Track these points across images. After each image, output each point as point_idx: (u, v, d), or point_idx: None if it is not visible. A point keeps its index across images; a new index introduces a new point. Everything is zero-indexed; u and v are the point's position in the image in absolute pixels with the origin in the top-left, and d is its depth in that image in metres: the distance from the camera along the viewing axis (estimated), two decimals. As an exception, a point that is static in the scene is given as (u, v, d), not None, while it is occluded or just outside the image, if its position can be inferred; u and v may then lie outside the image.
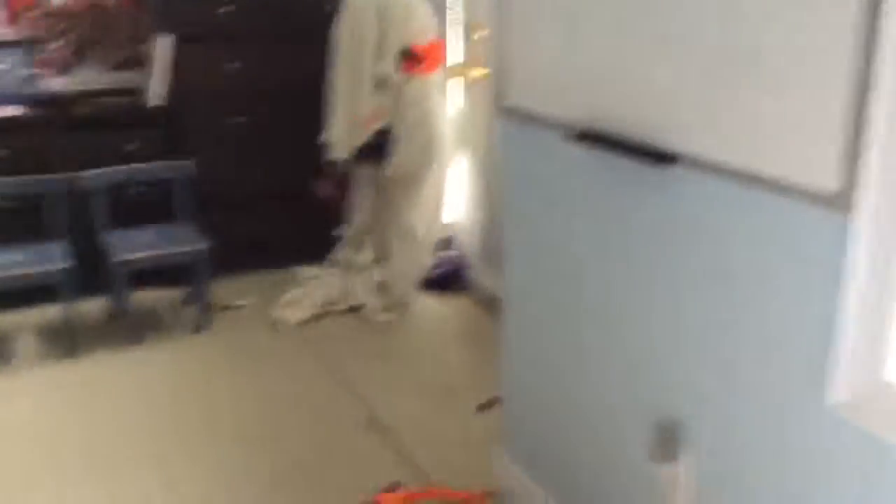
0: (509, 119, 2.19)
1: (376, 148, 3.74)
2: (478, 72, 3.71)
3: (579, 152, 1.90)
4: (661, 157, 1.62)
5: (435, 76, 3.70)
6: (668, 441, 1.74)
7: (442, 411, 3.03)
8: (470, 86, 3.82)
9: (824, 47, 1.26)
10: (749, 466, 1.57)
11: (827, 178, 1.28)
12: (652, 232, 1.72)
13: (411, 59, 3.61)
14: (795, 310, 1.41)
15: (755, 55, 1.38)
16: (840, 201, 1.26)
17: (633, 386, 1.86)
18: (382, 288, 3.89)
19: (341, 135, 3.74)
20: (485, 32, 3.62)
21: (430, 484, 2.57)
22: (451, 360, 3.46)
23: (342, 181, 3.95)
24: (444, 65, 3.77)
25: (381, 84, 3.67)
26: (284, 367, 3.38)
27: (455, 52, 3.94)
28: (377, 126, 3.70)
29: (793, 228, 1.38)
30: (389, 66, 3.62)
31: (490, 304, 3.83)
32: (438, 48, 3.70)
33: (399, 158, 3.72)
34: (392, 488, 2.51)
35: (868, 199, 1.23)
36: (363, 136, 3.72)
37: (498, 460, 2.52)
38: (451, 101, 3.85)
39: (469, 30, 3.76)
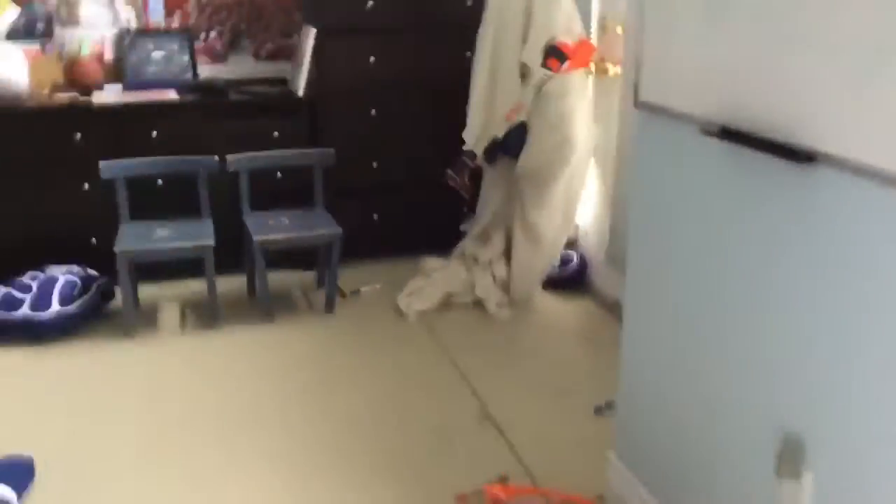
0: (646, 114, 2.16)
1: (511, 142, 3.74)
2: (611, 69, 3.66)
3: (715, 149, 1.85)
4: (799, 156, 1.56)
5: (579, 75, 3.68)
6: (793, 456, 1.68)
7: (557, 411, 3.02)
8: (603, 84, 3.77)
9: None
10: (874, 487, 1.49)
11: None
12: (788, 233, 1.66)
13: (557, 56, 3.59)
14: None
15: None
16: None
17: (759, 396, 1.80)
18: (505, 284, 3.91)
19: (478, 128, 3.77)
20: (619, 29, 3.58)
21: (537, 483, 2.57)
22: (569, 361, 3.44)
23: (474, 173, 3.99)
24: (591, 65, 3.73)
25: (523, 77, 3.68)
26: (404, 353, 3.46)
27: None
28: (516, 120, 3.71)
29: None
30: (534, 58, 3.62)
31: (612, 308, 3.78)
32: (586, 47, 3.66)
33: (531, 155, 3.71)
34: (500, 481, 2.53)
35: None
36: (500, 128, 3.74)
37: (610, 465, 2.49)
38: (591, 101, 3.80)
39: (603, 26, 3.71)
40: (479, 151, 3.80)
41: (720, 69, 1.82)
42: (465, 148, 3.84)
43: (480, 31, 3.73)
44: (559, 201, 3.82)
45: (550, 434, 2.88)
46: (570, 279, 4.00)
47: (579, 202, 3.93)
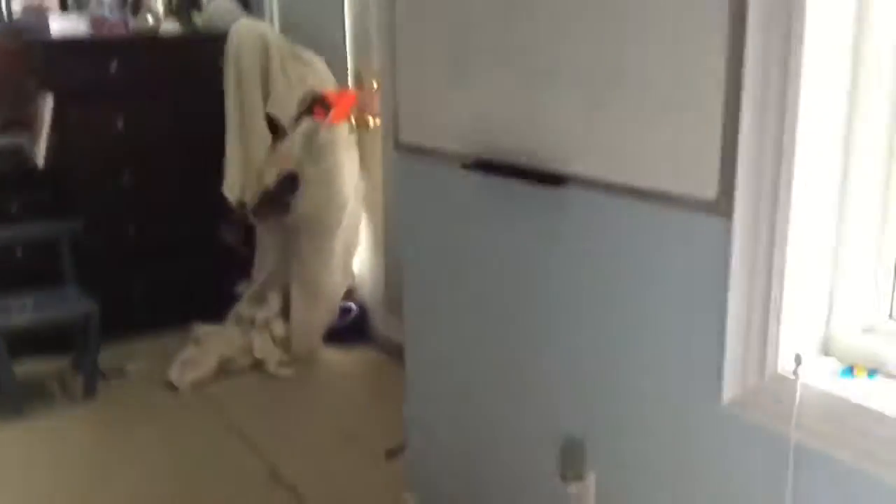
0: (405, 155, 2.22)
1: (279, 195, 3.70)
2: (371, 122, 3.75)
3: (474, 182, 1.94)
4: (549, 179, 1.68)
5: (343, 127, 3.72)
6: (574, 459, 1.76)
7: (348, 461, 2.97)
8: (365, 136, 3.85)
9: (696, 69, 1.35)
10: (653, 477, 1.60)
11: (706, 187, 1.35)
12: (547, 253, 1.78)
13: (323, 105, 3.62)
14: (686, 314, 1.47)
15: (629, 79, 1.47)
16: (720, 207, 1.34)
17: (538, 408, 1.89)
18: (285, 343, 3.81)
19: (236, 178, 3.70)
20: (375, 83, 3.69)
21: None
22: (356, 411, 3.40)
23: (246, 226, 3.87)
24: (351, 117, 3.79)
25: (276, 127, 3.66)
26: (182, 429, 3.24)
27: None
28: (283, 171, 3.68)
29: (678, 236, 1.46)
30: (283, 108, 3.62)
31: (394, 353, 3.81)
32: (347, 98, 3.73)
33: (305, 206, 3.70)
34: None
35: (744, 203, 1.31)
36: (263, 180, 3.70)
37: (407, 504, 2.48)
38: (356, 152, 3.86)
39: (359, 81, 3.81)
40: (247, 203, 3.72)
41: (472, 108, 1.94)
42: (230, 203, 3.73)
43: (224, 85, 3.68)
44: (337, 255, 3.82)
45: (343, 484, 2.82)
46: (351, 329, 3.99)
47: (355, 253, 3.95)
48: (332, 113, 3.66)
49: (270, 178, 3.70)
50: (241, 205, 3.76)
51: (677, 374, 1.51)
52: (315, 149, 3.67)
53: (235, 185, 3.71)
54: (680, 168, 1.40)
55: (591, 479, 1.75)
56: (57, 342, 3.70)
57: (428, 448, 2.37)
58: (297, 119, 3.67)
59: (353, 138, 3.83)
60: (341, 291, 3.94)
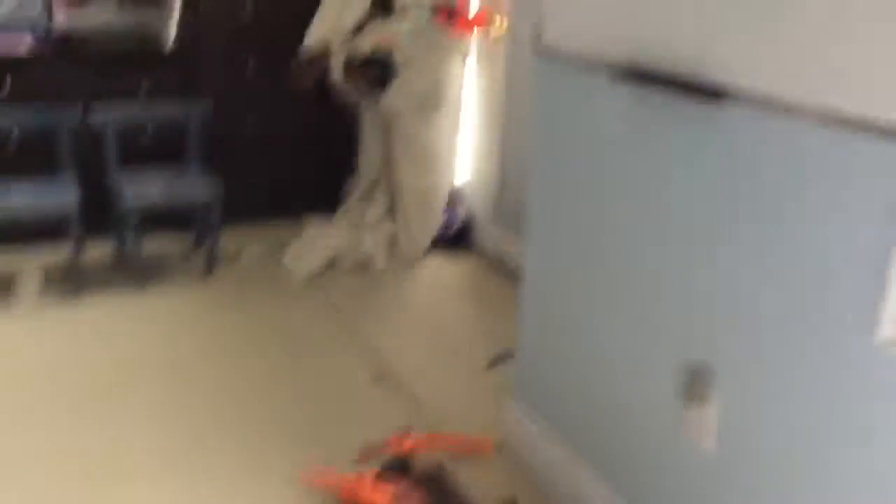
0: (547, 60, 2.14)
1: (370, 67, 3.68)
2: (496, 26, 3.64)
3: (622, 92, 1.86)
4: (707, 93, 1.58)
5: (464, 39, 3.63)
6: (698, 382, 1.72)
7: (451, 366, 3.01)
8: (487, 40, 3.75)
9: None
10: (788, 407, 1.55)
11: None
12: (697, 171, 1.69)
13: (451, 14, 3.53)
14: (846, 248, 1.38)
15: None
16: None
17: (665, 333, 1.84)
18: (392, 243, 3.86)
19: (321, 31, 3.69)
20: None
21: (440, 432, 2.55)
22: (458, 318, 3.43)
23: (317, 70, 3.83)
24: (481, 33, 3.68)
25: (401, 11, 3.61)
26: (293, 316, 3.34)
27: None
28: (381, 49, 3.64)
29: (864, 167, 1.34)
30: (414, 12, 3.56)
31: (497, 265, 3.81)
32: (483, 18, 3.61)
33: (399, 97, 3.68)
34: (404, 434, 2.49)
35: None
36: (356, 47, 3.67)
37: (508, 412, 2.49)
38: (470, 61, 3.77)
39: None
40: (336, 63, 3.71)
41: (625, 8, 1.82)
42: (304, 46, 3.73)
43: None
44: (430, 156, 3.79)
45: (448, 387, 2.86)
46: (457, 237, 3.99)
47: (454, 158, 3.91)
48: (456, 24, 3.55)
49: (364, 49, 3.65)
50: (318, 56, 3.72)
51: (826, 306, 1.43)
52: (425, 43, 3.59)
53: (317, 35, 3.69)
54: (879, 89, 1.28)
55: (714, 405, 1.71)
56: (179, 221, 3.85)
57: (538, 361, 2.37)
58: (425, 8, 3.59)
59: (469, 50, 3.74)
60: (443, 197, 3.92)
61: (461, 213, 4.04)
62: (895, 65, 1.25)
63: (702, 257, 1.70)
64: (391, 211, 3.90)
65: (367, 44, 3.67)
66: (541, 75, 2.19)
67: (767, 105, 1.48)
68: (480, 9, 3.65)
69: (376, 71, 3.68)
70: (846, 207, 1.38)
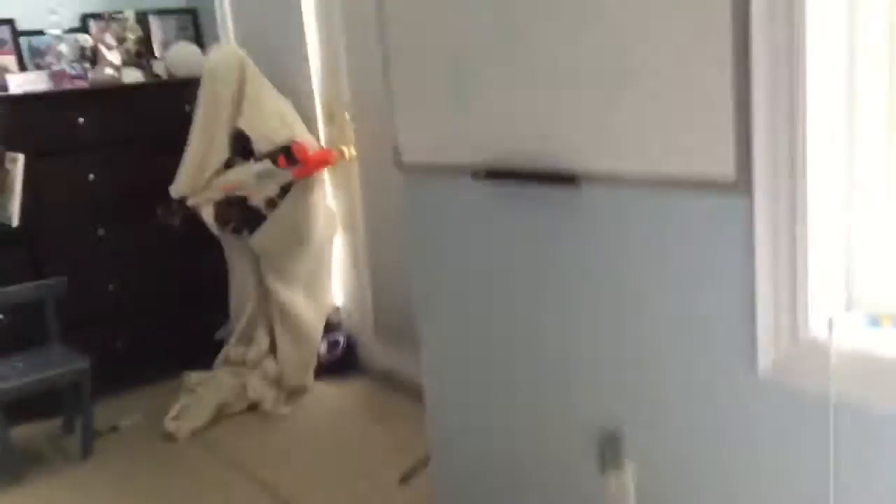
0: (410, 175, 2.26)
1: (241, 218, 3.77)
2: (345, 153, 3.79)
3: (486, 191, 1.99)
4: (563, 179, 1.74)
5: (312, 176, 3.75)
6: (611, 450, 1.81)
7: (363, 491, 2.96)
8: (339, 167, 3.88)
9: (701, 49, 1.43)
10: (695, 457, 1.65)
11: (725, 167, 1.43)
12: (567, 252, 1.82)
13: (289, 158, 3.63)
14: (714, 293, 1.53)
15: (633, 67, 1.54)
16: (739, 185, 1.42)
17: (570, 405, 1.92)
18: (278, 381, 3.80)
19: (186, 179, 3.74)
20: (347, 115, 3.73)
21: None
22: (359, 440, 3.39)
23: (183, 214, 3.87)
24: (326, 170, 3.82)
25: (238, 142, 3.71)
26: (187, 477, 3.19)
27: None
28: (235, 193, 3.74)
29: (699, 218, 1.52)
30: (253, 126, 3.66)
31: (386, 380, 3.83)
32: (324, 158, 3.74)
33: (264, 240, 3.75)
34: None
35: (764, 180, 1.39)
36: (216, 194, 3.75)
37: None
38: (326, 188, 3.90)
39: (329, 115, 3.85)
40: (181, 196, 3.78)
41: (476, 119, 1.98)
42: (171, 193, 3.78)
43: (198, 94, 3.73)
44: (308, 285, 3.84)
45: (365, 513, 2.81)
46: (341, 361, 3.99)
47: (329, 284, 3.97)
48: (298, 169, 3.66)
49: (216, 195, 3.75)
50: (182, 201, 3.79)
51: (711, 351, 1.57)
52: (276, 184, 3.70)
53: (183, 185, 3.75)
54: (696, 152, 1.47)
55: (629, 468, 1.79)
56: (44, 405, 3.64)
57: (454, 460, 2.39)
58: (266, 156, 3.69)
59: (322, 175, 3.87)
60: (321, 321, 3.95)
61: (341, 335, 4.06)
62: (703, 128, 1.45)
63: (587, 325, 1.82)
64: (271, 349, 3.85)
65: (217, 189, 3.72)
66: (407, 189, 2.31)
67: (615, 180, 1.65)
68: (319, 148, 3.77)
69: (238, 211, 3.73)
70: (697, 257, 1.55)
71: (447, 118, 2.07)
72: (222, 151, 3.73)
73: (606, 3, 1.58)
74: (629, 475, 1.80)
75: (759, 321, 1.46)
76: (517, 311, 2.01)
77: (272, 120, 3.68)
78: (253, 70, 3.73)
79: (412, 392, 3.68)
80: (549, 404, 1.99)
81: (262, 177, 3.68)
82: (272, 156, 3.66)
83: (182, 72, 4.17)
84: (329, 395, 3.87)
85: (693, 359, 1.61)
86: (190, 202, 3.79)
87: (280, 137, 3.64)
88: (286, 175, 3.67)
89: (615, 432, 1.81)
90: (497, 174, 1.91)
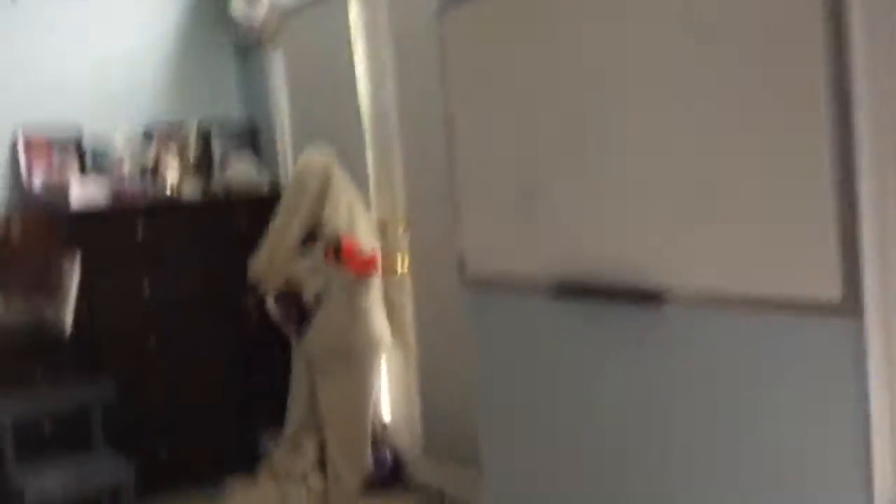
0: (475, 290, 2.27)
1: (296, 316, 3.80)
2: (399, 265, 3.82)
3: (558, 309, 1.98)
4: (644, 297, 1.71)
5: (361, 279, 3.77)
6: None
7: None
8: (391, 281, 3.91)
9: (800, 158, 1.42)
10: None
11: (829, 287, 1.41)
12: (651, 374, 1.79)
13: (336, 252, 3.68)
14: (820, 427, 1.47)
15: (725, 177, 1.55)
16: (848, 307, 1.39)
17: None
18: (322, 498, 3.71)
19: (263, 261, 3.82)
20: (401, 229, 3.79)
21: None
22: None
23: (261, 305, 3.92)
24: (375, 274, 3.84)
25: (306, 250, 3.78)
26: None
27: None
28: (282, 287, 3.79)
29: (799, 343, 1.49)
30: (330, 217, 3.73)
31: (436, 499, 3.72)
32: (369, 263, 3.75)
33: (311, 337, 3.76)
34: None
35: (876, 300, 1.36)
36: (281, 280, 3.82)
37: None
38: (377, 300, 3.90)
39: (383, 231, 3.91)
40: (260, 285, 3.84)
41: (547, 233, 2.00)
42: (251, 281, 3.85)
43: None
44: (358, 396, 3.80)
45: None
46: (388, 479, 3.90)
47: (374, 397, 3.92)
48: (344, 265, 3.70)
49: (274, 285, 3.82)
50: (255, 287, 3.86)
51: (816, 493, 1.50)
52: (325, 282, 3.73)
53: (259, 266, 3.83)
54: (796, 270, 1.45)
55: None
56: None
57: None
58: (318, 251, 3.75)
59: (376, 285, 3.89)
60: (367, 436, 3.88)
61: (389, 452, 3.98)
62: (807, 248, 1.44)
63: (681, 458, 1.76)
64: (319, 464, 3.78)
65: (280, 278, 3.77)
66: (471, 304, 2.31)
67: (702, 300, 1.63)
68: (369, 252, 3.80)
69: (290, 306, 3.77)
70: (798, 386, 1.50)
71: (514, 231, 2.07)
72: (293, 245, 3.80)
73: (692, 108, 1.59)
74: None
75: (874, 461, 1.37)
76: (589, 435, 1.95)
77: (342, 210, 3.74)
78: (339, 172, 3.84)
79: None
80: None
81: (313, 270, 3.72)
82: (324, 248, 3.72)
83: (239, 188, 4.28)
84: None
85: (798, 496, 1.54)
86: (260, 290, 3.85)
87: (342, 228, 3.71)
88: (331, 271, 3.70)
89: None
90: (569, 292, 1.89)
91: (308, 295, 3.78)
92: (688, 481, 1.74)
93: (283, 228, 3.82)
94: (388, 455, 3.95)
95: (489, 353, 2.28)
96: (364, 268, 3.72)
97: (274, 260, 3.83)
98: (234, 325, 3.98)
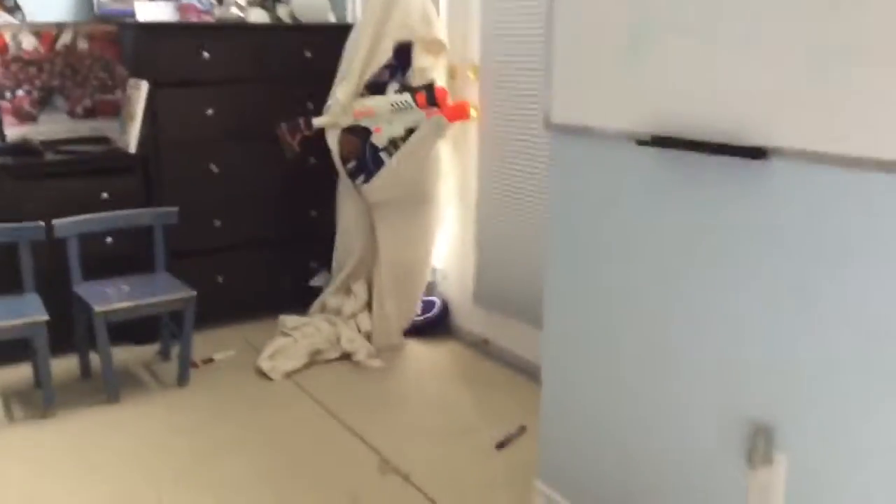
0: (560, 135, 2.20)
1: (361, 156, 3.76)
2: (468, 113, 3.72)
3: (650, 159, 1.92)
4: (751, 153, 1.65)
5: (444, 124, 3.69)
6: (765, 444, 1.74)
7: (457, 452, 2.94)
8: (460, 127, 3.82)
9: None
10: (861, 467, 1.58)
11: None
12: (743, 228, 1.73)
13: (430, 98, 3.57)
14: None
15: (854, 41, 1.44)
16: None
17: (719, 392, 1.86)
18: (369, 336, 3.81)
19: (335, 107, 3.76)
20: (472, 74, 3.67)
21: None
22: (452, 403, 3.38)
23: (304, 135, 3.88)
24: (467, 119, 3.74)
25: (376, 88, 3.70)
26: (280, 417, 3.22)
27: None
28: (364, 123, 3.71)
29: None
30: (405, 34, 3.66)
31: (480, 348, 3.81)
32: (462, 109, 3.66)
33: (380, 185, 3.71)
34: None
35: None
36: (345, 119, 3.75)
37: (538, 493, 2.45)
38: (449, 147, 3.84)
39: (452, 74, 3.79)
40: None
41: (647, 83, 1.90)
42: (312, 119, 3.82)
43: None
44: (418, 241, 3.82)
45: (457, 473, 2.79)
46: (433, 324, 3.98)
47: (434, 245, 3.93)
48: (435, 110, 3.61)
49: (346, 121, 3.74)
50: (308, 121, 3.83)
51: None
52: (400, 126, 3.66)
53: (330, 112, 3.78)
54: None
55: (779, 463, 1.73)
56: (139, 331, 3.73)
57: (566, 435, 2.34)
58: (408, 89, 3.65)
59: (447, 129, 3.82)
60: (424, 283, 3.92)
61: (437, 298, 4.04)
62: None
63: (762, 315, 1.73)
64: (368, 305, 3.86)
65: (349, 113, 3.72)
66: (554, 150, 2.24)
67: (809, 157, 1.56)
68: (460, 100, 3.71)
69: (359, 146, 3.73)
70: None
71: (615, 77, 1.97)
72: (382, 58, 3.71)
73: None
74: (779, 470, 1.73)
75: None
76: (671, 287, 1.94)
77: (416, 14, 3.64)
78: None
79: (507, 362, 3.66)
80: (692, 390, 1.92)
81: (396, 109, 3.63)
82: (413, 91, 3.62)
83: (305, 18, 4.16)
84: (421, 353, 3.85)
85: (874, 366, 1.52)
86: (316, 121, 3.79)
87: (419, 33, 3.64)
88: (418, 116, 3.61)
89: (770, 426, 1.74)
90: (665, 142, 1.83)
91: (381, 139, 3.70)
92: (764, 333, 1.73)
93: (367, 54, 3.71)
94: (437, 301, 4.01)
95: (566, 199, 2.22)
96: (457, 113, 3.64)
97: (347, 93, 3.73)
98: (295, 158, 3.95)
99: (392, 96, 3.65)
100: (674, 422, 1.98)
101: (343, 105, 3.73)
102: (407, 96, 3.60)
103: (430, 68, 3.64)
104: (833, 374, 1.60)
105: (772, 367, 1.72)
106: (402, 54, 3.69)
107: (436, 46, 3.68)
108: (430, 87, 3.58)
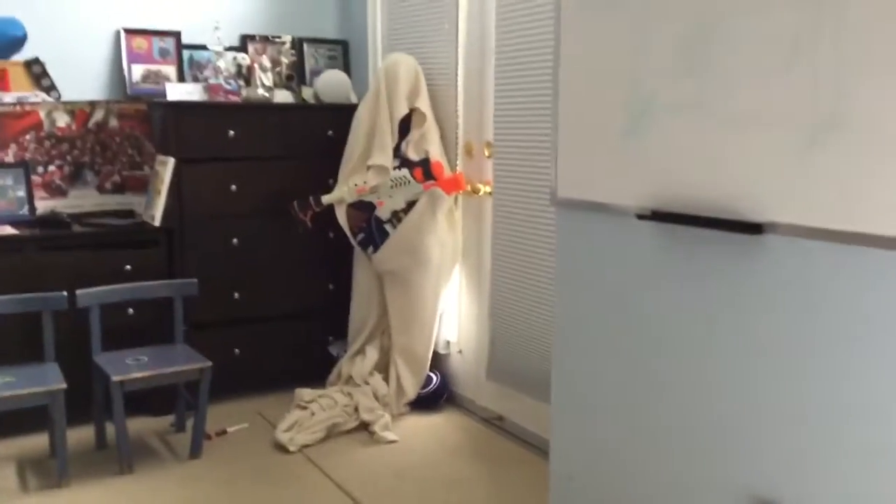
0: (566, 210, 2.25)
1: (367, 229, 3.90)
2: (482, 189, 3.81)
3: (650, 233, 1.95)
4: (747, 228, 1.68)
5: (445, 197, 3.81)
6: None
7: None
8: (472, 202, 3.91)
9: None
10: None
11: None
12: (743, 300, 1.75)
13: (426, 172, 3.74)
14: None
15: (851, 120, 1.48)
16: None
17: (725, 465, 1.84)
18: (385, 399, 3.84)
19: (341, 184, 3.93)
20: (487, 151, 3.77)
21: None
22: (465, 480, 3.34)
23: (315, 212, 4.01)
24: (458, 194, 3.89)
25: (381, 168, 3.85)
26: (292, 491, 3.20)
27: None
28: (366, 198, 3.86)
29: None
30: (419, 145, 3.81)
31: (494, 423, 3.78)
32: (458, 181, 3.83)
33: (386, 253, 3.84)
34: None
35: None
36: (349, 196, 3.90)
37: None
38: (451, 219, 3.94)
39: (468, 150, 3.89)
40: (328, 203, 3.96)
41: (646, 160, 1.95)
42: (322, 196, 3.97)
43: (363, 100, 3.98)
44: (420, 309, 3.88)
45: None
46: (431, 398, 4.00)
47: (438, 316, 3.98)
48: (432, 184, 3.75)
49: (350, 197, 3.89)
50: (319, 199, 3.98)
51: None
52: (400, 200, 3.81)
53: (338, 189, 3.94)
54: None
55: (785, 539, 1.69)
56: (154, 402, 3.78)
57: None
58: (406, 164, 3.81)
59: (455, 204, 3.92)
60: (428, 351, 3.96)
61: (437, 374, 4.07)
62: None
63: (765, 386, 1.73)
64: (378, 366, 3.94)
65: (351, 190, 3.86)
66: (561, 225, 2.29)
67: (804, 233, 1.59)
68: (456, 172, 3.85)
69: (365, 220, 3.88)
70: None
71: (617, 154, 2.03)
72: (388, 138, 3.85)
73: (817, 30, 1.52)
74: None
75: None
76: (673, 361, 1.94)
77: (430, 135, 3.82)
78: (425, 83, 3.92)
79: (522, 439, 3.63)
80: (698, 463, 1.90)
81: (395, 185, 3.79)
82: (411, 166, 3.78)
83: (329, 98, 4.31)
84: (436, 429, 3.82)
85: (881, 443, 1.51)
86: (325, 198, 3.93)
87: (429, 147, 3.81)
88: (417, 189, 3.77)
89: (773, 501, 1.72)
90: (667, 217, 1.87)
91: (384, 212, 3.83)
92: (768, 404, 1.73)
93: (368, 136, 3.87)
94: (435, 377, 4.03)
95: (572, 271, 2.26)
96: (452, 185, 3.79)
97: (354, 170, 3.88)
98: (314, 233, 4.05)
99: (392, 172, 3.83)
100: (680, 499, 1.96)
101: (347, 182, 3.89)
102: (405, 171, 3.80)
103: (423, 139, 3.82)
104: (839, 450, 1.59)
105: (777, 443, 1.71)
106: (401, 125, 3.90)
107: (419, 118, 3.87)
108: (425, 162, 3.79)
